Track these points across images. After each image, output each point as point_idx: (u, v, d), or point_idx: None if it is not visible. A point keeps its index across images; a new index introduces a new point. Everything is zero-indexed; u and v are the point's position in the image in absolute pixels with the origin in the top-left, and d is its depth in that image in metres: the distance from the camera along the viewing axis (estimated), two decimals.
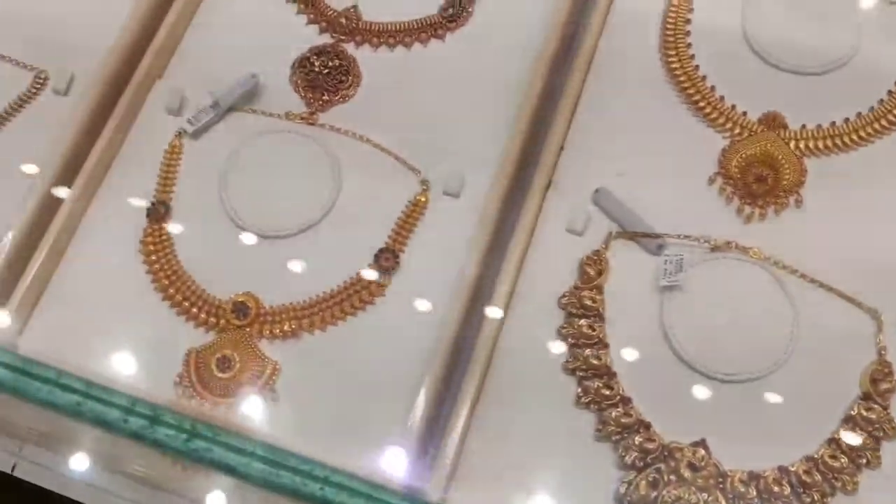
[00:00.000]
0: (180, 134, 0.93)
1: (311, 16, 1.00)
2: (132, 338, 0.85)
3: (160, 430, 0.69)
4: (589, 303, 0.83)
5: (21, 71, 0.98)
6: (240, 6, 1.01)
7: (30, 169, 0.92)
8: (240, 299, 0.84)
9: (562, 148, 0.91)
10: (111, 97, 0.95)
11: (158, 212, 0.89)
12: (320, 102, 0.96)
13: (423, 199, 0.89)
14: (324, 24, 0.99)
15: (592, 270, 0.84)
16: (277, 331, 0.84)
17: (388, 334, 0.84)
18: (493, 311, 0.83)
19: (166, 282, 0.86)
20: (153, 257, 0.87)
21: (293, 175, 0.91)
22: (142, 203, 0.90)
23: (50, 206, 0.89)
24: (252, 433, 0.73)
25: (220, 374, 0.81)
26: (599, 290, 0.84)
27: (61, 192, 0.90)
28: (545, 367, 0.82)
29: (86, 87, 0.96)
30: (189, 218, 0.90)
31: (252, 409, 0.80)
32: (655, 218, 0.87)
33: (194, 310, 0.85)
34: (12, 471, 0.85)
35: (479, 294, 0.85)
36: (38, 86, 0.97)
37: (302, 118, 0.94)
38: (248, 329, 0.84)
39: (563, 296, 0.84)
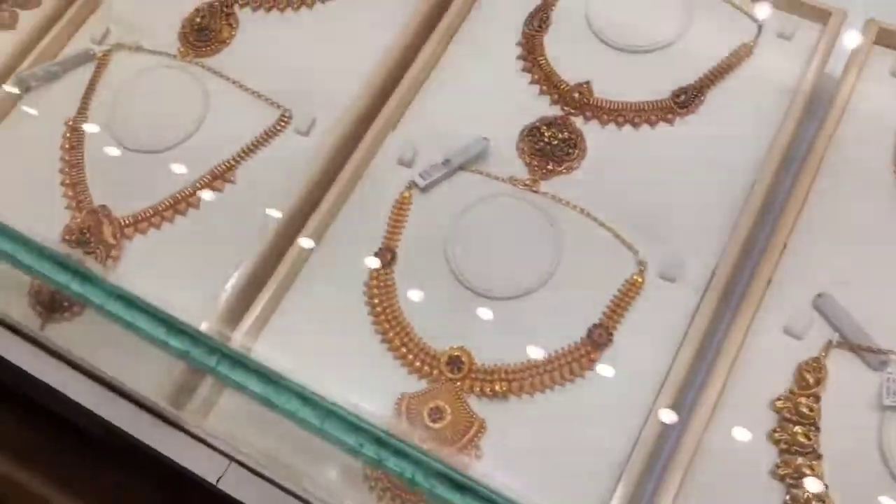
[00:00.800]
0: (411, 186, 0.97)
1: (545, 87, 1.03)
2: (348, 374, 0.89)
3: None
4: (805, 410, 0.81)
5: (269, 108, 1.05)
6: (476, 71, 1.06)
7: (267, 202, 0.98)
8: (455, 353, 0.87)
9: (785, 246, 0.91)
10: (348, 143, 1.01)
11: (385, 257, 0.93)
12: (544, 171, 0.98)
13: (639, 280, 0.91)
14: (556, 96, 1.02)
15: (811, 377, 0.83)
16: (488, 389, 0.86)
17: (593, 410, 0.85)
18: (703, 405, 0.82)
19: (387, 325, 0.90)
20: (376, 300, 0.91)
21: (515, 239, 0.94)
22: (370, 247, 0.94)
23: (286, 237, 0.95)
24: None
25: (431, 424, 0.84)
26: (816, 398, 0.82)
27: (295, 227, 0.95)
28: (751, 469, 0.81)
29: (326, 130, 1.02)
30: (412, 267, 0.93)
31: (456, 464, 0.82)
32: (878, 332, 0.85)
33: (410, 356, 0.88)
34: (217, 482, 0.90)
35: (689, 384, 0.85)
36: (283, 124, 1.04)
37: (525, 185, 0.97)
38: (458, 383, 0.86)
39: (778, 399, 0.83)
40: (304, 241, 0.94)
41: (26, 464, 1.07)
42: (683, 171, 0.97)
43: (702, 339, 0.86)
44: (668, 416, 0.83)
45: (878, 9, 1.03)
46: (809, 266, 0.90)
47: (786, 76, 1.01)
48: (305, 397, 0.72)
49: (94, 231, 0.96)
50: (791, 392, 0.83)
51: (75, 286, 0.72)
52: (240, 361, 0.71)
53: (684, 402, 0.84)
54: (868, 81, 1.00)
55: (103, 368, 0.89)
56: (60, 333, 0.95)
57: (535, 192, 0.97)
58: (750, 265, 0.91)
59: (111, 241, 0.96)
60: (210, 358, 0.71)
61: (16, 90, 1.08)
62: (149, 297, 0.91)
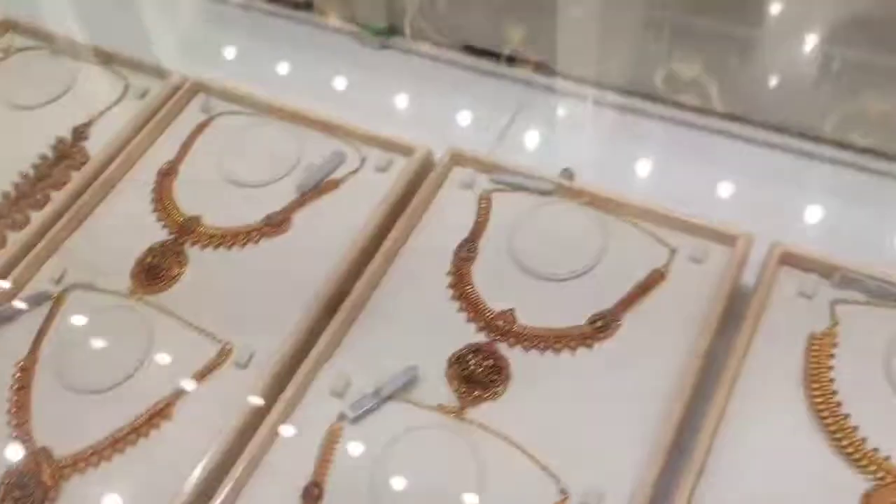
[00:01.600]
0: (342, 418, 1.01)
1: (472, 314, 1.09)
2: None
3: None
4: None
5: (211, 342, 1.10)
6: (408, 299, 1.12)
7: (202, 440, 1.01)
8: None
9: (701, 471, 0.93)
10: (284, 376, 1.05)
11: (312, 493, 0.96)
12: (472, 397, 1.02)
13: None
14: (482, 323, 1.08)
15: None
16: None
17: None
18: None
19: None
20: None
21: (440, 471, 0.97)
22: (299, 482, 0.97)
23: (219, 476, 0.98)
24: None
25: None
26: None
27: (230, 463, 0.98)
28: None
29: (263, 363, 1.06)
30: (339, 501, 0.95)
31: None
32: None
33: None
34: None
35: None
36: (223, 358, 1.09)
37: (453, 413, 1.01)
38: None
39: None
40: (235, 481, 0.96)
41: None
42: (602, 396, 1.01)
43: None
44: None
45: (782, 231, 1.11)
46: (725, 490, 0.92)
47: (698, 298, 1.06)
48: None
49: (33, 474, 0.99)
50: None
51: None
52: None
53: None
54: (777, 300, 1.05)
55: None
56: None
57: (462, 419, 1.00)
58: (670, 489, 0.93)
59: (49, 482, 0.99)
60: None
61: None
62: None
